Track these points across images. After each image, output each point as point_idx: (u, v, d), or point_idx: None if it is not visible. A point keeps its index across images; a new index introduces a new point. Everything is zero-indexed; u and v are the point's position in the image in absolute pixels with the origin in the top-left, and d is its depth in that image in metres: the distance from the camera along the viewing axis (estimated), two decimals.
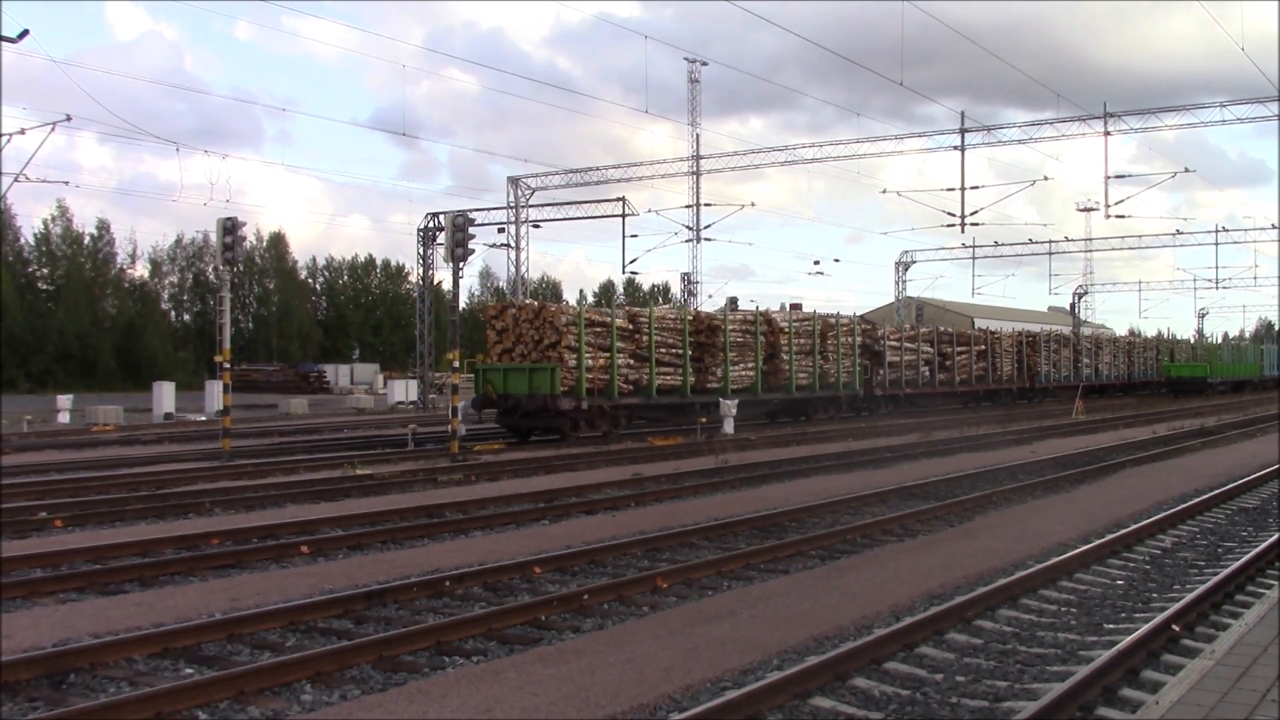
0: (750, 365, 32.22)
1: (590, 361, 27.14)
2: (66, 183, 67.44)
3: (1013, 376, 48.10)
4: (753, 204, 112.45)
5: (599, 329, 27.78)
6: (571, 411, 26.80)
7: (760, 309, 34.00)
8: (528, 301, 30.49)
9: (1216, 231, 59.12)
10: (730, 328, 31.45)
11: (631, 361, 28.58)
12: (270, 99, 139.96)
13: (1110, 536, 12.47)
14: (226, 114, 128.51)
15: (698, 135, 51.19)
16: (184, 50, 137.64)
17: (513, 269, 40.89)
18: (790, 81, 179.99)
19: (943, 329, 44.98)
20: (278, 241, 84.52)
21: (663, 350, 29.38)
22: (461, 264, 23.87)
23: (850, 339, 36.52)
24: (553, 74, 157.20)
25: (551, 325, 26.93)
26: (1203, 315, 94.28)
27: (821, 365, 34.92)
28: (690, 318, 31.11)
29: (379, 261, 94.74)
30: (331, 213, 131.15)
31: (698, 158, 44.78)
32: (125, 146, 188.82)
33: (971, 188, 37.94)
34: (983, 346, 45.84)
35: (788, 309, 38.35)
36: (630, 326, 28.81)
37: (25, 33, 23.83)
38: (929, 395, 41.71)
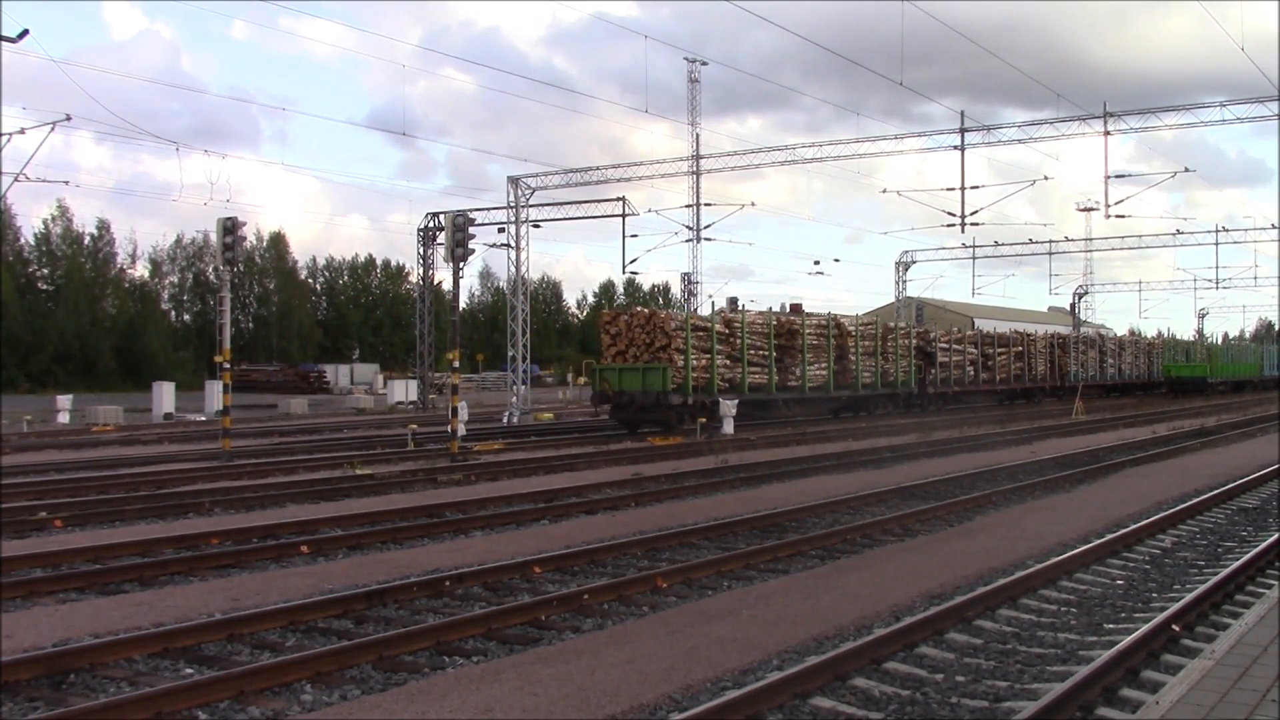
0: (823, 365, 35.48)
1: (694, 362, 30.17)
2: (66, 182, 67.04)
3: (1046, 375, 51.85)
4: (753, 204, 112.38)
5: (701, 333, 30.89)
6: (679, 406, 29.61)
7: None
8: (639, 309, 33.57)
9: (1216, 231, 58.90)
10: (807, 331, 34.58)
11: (727, 362, 31.79)
12: (267, 98, 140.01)
13: (1110, 536, 12.47)
14: (223, 113, 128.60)
15: (698, 135, 51.25)
16: (181, 50, 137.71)
17: (512, 269, 40.84)
18: (788, 80, 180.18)
19: (985, 332, 48.61)
20: (278, 241, 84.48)
21: (752, 352, 32.53)
22: (461, 264, 23.86)
23: (907, 341, 40.12)
24: (550, 73, 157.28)
25: (662, 330, 30.02)
26: (1203, 315, 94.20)
27: (883, 365, 38.23)
28: (775, 323, 33.87)
29: (378, 261, 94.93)
30: (330, 212, 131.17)
31: (698, 157, 44.71)
32: (123, 146, 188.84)
33: (971, 187, 37.78)
34: (1020, 348, 49.65)
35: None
36: (726, 331, 31.98)
37: (25, 32, 23.79)
38: (973, 392, 45.50)
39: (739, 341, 31.90)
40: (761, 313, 35.36)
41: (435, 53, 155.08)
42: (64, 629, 8.41)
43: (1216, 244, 58.82)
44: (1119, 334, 74.06)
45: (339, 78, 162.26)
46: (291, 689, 7.09)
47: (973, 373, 44.88)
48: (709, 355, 30.75)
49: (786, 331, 33.93)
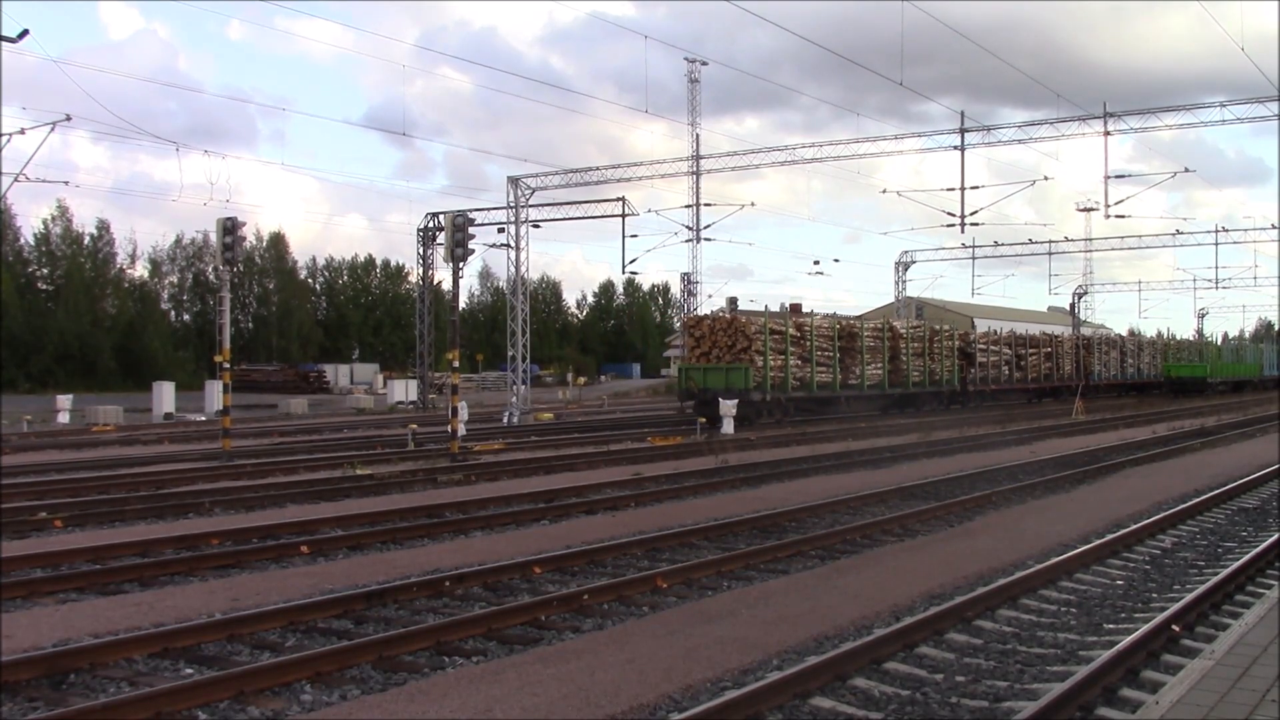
0: (879, 365, 38.26)
1: (771, 362, 32.81)
2: (66, 183, 66.95)
3: (1072, 374, 54.75)
4: (752, 204, 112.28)
5: (777, 336, 33.33)
6: (759, 402, 32.25)
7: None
8: (722, 314, 36.44)
9: (1216, 231, 58.89)
10: (865, 334, 37.56)
11: (798, 362, 34.49)
12: (264, 98, 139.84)
13: (1110, 536, 12.47)
14: (221, 113, 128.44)
15: (698, 135, 51.20)
16: (177, 50, 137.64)
17: (512, 269, 40.85)
18: (786, 80, 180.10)
19: (1019, 334, 51.31)
20: (277, 241, 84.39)
21: (819, 353, 35.34)
22: (461, 264, 23.83)
23: (950, 343, 43.14)
24: (547, 73, 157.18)
25: (743, 333, 32.67)
26: (1203, 315, 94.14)
27: (929, 365, 41.27)
28: (838, 326, 36.78)
29: (378, 261, 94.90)
30: (329, 212, 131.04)
31: (698, 158, 44.69)
32: (120, 146, 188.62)
33: (971, 187, 37.82)
34: (1049, 349, 53.01)
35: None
36: (798, 334, 34.64)
37: (25, 33, 23.75)
38: (1008, 390, 48.91)
39: (808, 344, 34.60)
40: (827, 316, 37.87)
41: (432, 52, 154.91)
42: (64, 629, 8.41)
43: (1216, 244, 58.90)
44: (1118, 334, 74.11)
45: (336, 77, 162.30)
46: (291, 689, 7.09)
47: (1007, 372, 48.16)
48: (783, 356, 33.30)
49: (847, 334, 36.93)
